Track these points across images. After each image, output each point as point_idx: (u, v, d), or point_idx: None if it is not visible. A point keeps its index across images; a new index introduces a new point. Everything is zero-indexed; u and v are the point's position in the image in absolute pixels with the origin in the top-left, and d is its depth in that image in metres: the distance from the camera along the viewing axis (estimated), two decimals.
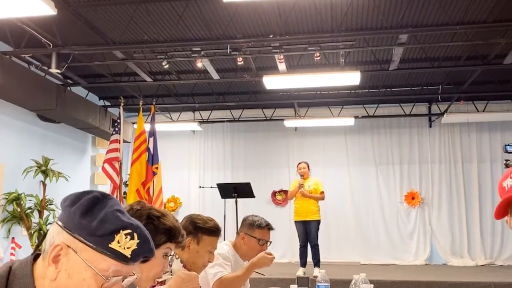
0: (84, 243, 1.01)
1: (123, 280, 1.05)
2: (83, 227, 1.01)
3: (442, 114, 9.04)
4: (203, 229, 2.41)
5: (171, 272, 2.23)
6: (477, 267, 8.63)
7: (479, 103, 9.04)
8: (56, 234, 1.04)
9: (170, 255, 1.68)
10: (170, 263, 2.26)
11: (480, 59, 7.19)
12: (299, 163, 7.27)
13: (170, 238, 1.66)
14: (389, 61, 7.12)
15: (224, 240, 5.26)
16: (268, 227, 3.12)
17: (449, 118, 8.90)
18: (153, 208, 1.72)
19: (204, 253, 2.40)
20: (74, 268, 1.01)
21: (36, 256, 1.09)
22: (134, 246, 1.03)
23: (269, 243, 3.09)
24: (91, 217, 1.02)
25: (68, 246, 1.01)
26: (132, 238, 1.03)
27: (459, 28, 5.77)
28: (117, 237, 1.01)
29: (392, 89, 8.76)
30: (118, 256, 1.02)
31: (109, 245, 1.01)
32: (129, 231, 1.03)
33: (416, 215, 9.40)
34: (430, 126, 9.63)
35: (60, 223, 1.04)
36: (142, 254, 1.05)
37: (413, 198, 9.41)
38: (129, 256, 1.03)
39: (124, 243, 1.02)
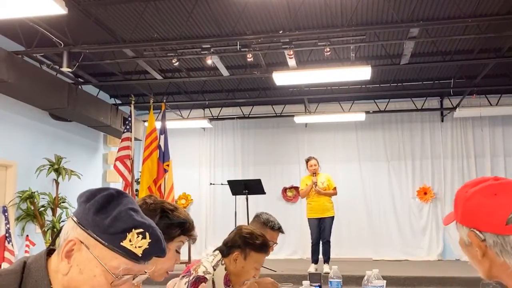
0: (97, 240, 1.01)
1: (133, 279, 1.05)
2: (97, 224, 1.02)
3: (454, 108, 8.95)
4: (252, 245, 2.35)
5: (213, 274, 2.26)
6: None
7: (492, 96, 8.92)
8: (70, 229, 1.05)
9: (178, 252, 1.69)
10: (214, 268, 2.29)
11: (493, 52, 7.09)
12: (309, 160, 7.12)
13: (184, 231, 1.67)
14: (400, 55, 7.06)
15: None
16: (280, 230, 3.13)
17: (462, 112, 8.79)
18: (165, 201, 1.74)
19: (250, 269, 2.36)
20: (86, 264, 1.01)
21: (51, 251, 1.10)
22: (146, 246, 1.03)
23: (275, 244, 3.10)
24: (105, 214, 1.02)
25: (81, 242, 1.02)
26: (144, 237, 1.03)
27: (471, 20, 5.69)
28: (129, 236, 1.01)
29: (404, 84, 8.69)
30: (129, 254, 1.02)
31: (121, 243, 1.01)
32: (141, 230, 1.03)
33: (428, 211, 9.32)
34: (442, 121, 9.53)
35: (75, 218, 1.05)
36: (154, 253, 1.05)
37: (425, 194, 9.34)
38: (140, 255, 1.03)
39: (136, 242, 1.02)
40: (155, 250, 1.05)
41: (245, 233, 2.39)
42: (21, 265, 1.06)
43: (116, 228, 1.01)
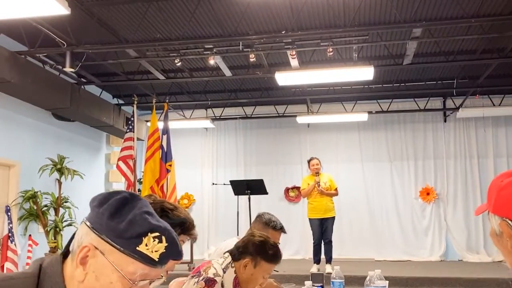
0: (112, 245, 0.99)
1: (150, 283, 1.03)
2: (111, 229, 0.99)
3: (457, 108, 8.93)
4: (264, 255, 2.33)
5: (222, 277, 2.26)
6: (494, 263, 8.51)
7: (495, 97, 8.90)
8: (84, 235, 1.02)
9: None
10: (224, 270, 2.29)
11: (496, 52, 7.07)
12: (311, 159, 7.15)
13: (184, 230, 1.67)
14: (403, 55, 7.05)
15: (238, 235, 5.26)
16: (282, 230, 3.12)
17: (464, 113, 8.77)
18: (165, 201, 1.74)
19: (258, 277, 2.35)
20: (102, 270, 0.99)
21: (65, 253, 1.07)
22: (162, 250, 1.00)
23: (278, 244, 3.10)
24: (119, 218, 1.00)
25: (96, 248, 0.99)
26: (160, 241, 1.00)
27: (474, 21, 5.67)
28: (145, 240, 0.99)
29: (406, 84, 8.67)
30: (145, 259, 0.99)
31: (137, 248, 0.98)
32: (157, 234, 1.00)
33: (431, 211, 9.30)
34: (445, 121, 9.51)
35: (88, 223, 1.03)
36: (170, 257, 1.03)
37: (428, 194, 9.32)
38: (156, 260, 1.00)
39: (152, 246, 0.99)
40: (171, 254, 1.03)
41: (258, 241, 2.36)
42: (37, 268, 1.04)
43: (132, 233, 0.99)
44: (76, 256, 1.01)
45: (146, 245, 0.99)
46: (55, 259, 1.06)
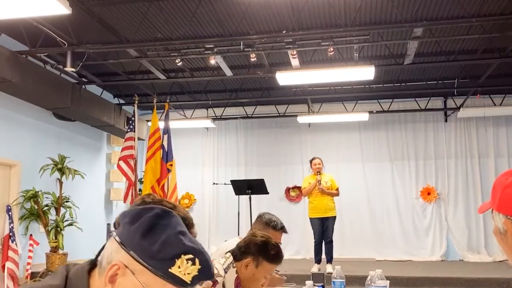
0: (143, 265, 0.96)
1: None
2: (144, 249, 0.96)
3: (458, 108, 8.92)
4: (266, 255, 2.33)
5: (223, 277, 2.25)
6: (494, 263, 8.51)
7: (496, 96, 8.89)
8: (114, 252, 0.99)
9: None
10: (226, 270, 2.28)
11: (497, 52, 7.06)
12: (314, 159, 7.19)
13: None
14: (404, 55, 7.04)
15: (238, 235, 5.26)
16: (283, 230, 3.11)
17: (465, 112, 8.77)
18: (164, 200, 1.73)
19: (260, 278, 2.35)
20: None
21: (92, 263, 1.05)
22: (195, 272, 0.97)
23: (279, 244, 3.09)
24: (152, 238, 0.97)
25: (126, 266, 0.97)
26: (194, 263, 0.97)
27: (475, 20, 5.67)
28: (178, 262, 0.95)
29: (407, 84, 8.67)
30: (177, 281, 0.96)
31: (169, 270, 0.95)
32: (191, 256, 0.97)
33: (432, 211, 9.30)
34: (446, 121, 9.50)
35: (118, 239, 1.00)
36: (202, 279, 1.00)
37: (428, 194, 9.32)
38: (189, 282, 0.97)
39: (185, 268, 0.96)
40: (204, 276, 0.99)
41: (260, 241, 2.36)
42: (63, 279, 1.02)
43: (165, 254, 0.95)
44: (105, 273, 0.98)
45: (179, 267, 0.96)
46: (81, 271, 1.03)
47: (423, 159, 9.47)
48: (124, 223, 1.01)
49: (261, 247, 2.34)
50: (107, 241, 1.03)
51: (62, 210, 7.24)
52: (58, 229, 6.99)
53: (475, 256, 8.83)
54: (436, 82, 8.59)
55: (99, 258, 1.03)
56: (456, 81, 8.25)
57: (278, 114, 9.78)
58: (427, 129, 9.54)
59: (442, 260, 8.95)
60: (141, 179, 8.12)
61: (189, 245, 0.99)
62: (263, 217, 3.12)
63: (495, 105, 8.83)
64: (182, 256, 0.96)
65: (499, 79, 8.21)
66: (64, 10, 4.34)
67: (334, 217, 6.96)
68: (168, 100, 8.20)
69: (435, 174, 9.40)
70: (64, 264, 1.10)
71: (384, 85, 8.57)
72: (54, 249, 6.98)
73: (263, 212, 3.20)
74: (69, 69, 6.35)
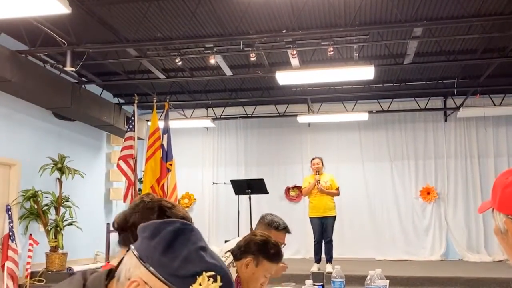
0: (163, 282, 0.93)
1: None
2: (164, 265, 0.94)
3: (457, 108, 8.92)
4: (266, 254, 2.33)
5: None
6: (494, 262, 8.51)
7: (495, 96, 8.90)
8: (133, 267, 0.97)
9: None
10: None
11: (497, 52, 7.07)
12: (313, 159, 7.20)
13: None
14: (404, 55, 7.04)
15: (238, 235, 5.26)
16: (286, 230, 3.10)
17: (465, 112, 8.77)
18: (163, 199, 1.72)
19: (260, 277, 2.35)
20: None
21: (108, 275, 1.03)
22: None
23: (283, 245, 3.08)
24: (173, 254, 0.95)
25: (146, 283, 0.95)
26: (215, 280, 0.95)
27: (475, 20, 5.67)
28: (199, 279, 0.93)
29: (407, 83, 8.67)
30: None
31: (190, 287, 0.93)
32: (212, 273, 0.95)
33: (431, 211, 9.30)
34: (446, 121, 9.51)
35: (136, 253, 0.97)
36: None
37: (428, 193, 9.32)
38: None
39: (206, 286, 0.93)
40: None
41: (260, 240, 2.36)
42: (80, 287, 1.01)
43: (186, 271, 0.93)
44: None
45: (200, 285, 0.93)
46: (99, 281, 1.02)
47: (423, 159, 9.48)
48: (143, 237, 0.99)
49: (261, 246, 2.34)
50: (124, 256, 1.01)
51: (62, 209, 7.24)
52: (58, 228, 6.99)
53: (474, 256, 8.83)
54: (436, 82, 8.59)
55: (117, 271, 1.01)
56: (456, 81, 8.26)
57: (278, 114, 9.78)
58: (427, 129, 9.54)
59: (441, 260, 8.95)
60: (141, 178, 8.12)
61: (211, 261, 0.97)
62: (265, 218, 3.11)
63: (494, 105, 8.83)
64: (204, 273, 0.94)
65: (498, 79, 8.21)
66: (64, 9, 4.34)
67: (334, 217, 6.96)
68: (168, 100, 8.20)
69: (434, 174, 9.41)
70: (80, 271, 1.09)
71: (384, 84, 8.57)
72: (54, 249, 6.98)
73: (265, 214, 3.19)
74: (69, 68, 6.35)
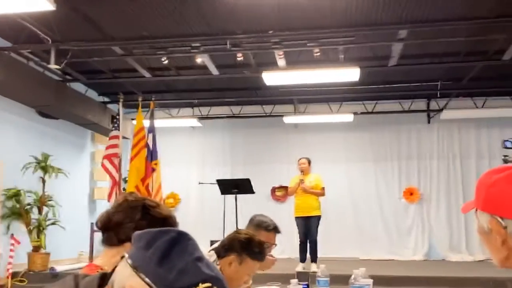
0: None
1: None
2: (160, 277, 0.94)
3: (440, 110, 9.05)
4: (249, 252, 2.32)
5: None
6: (475, 262, 8.65)
7: (478, 99, 9.04)
8: (127, 277, 0.96)
9: None
10: None
11: (479, 55, 7.19)
12: (300, 159, 7.27)
13: (166, 227, 1.66)
14: (388, 57, 7.11)
15: (224, 235, 5.24)
16: (276, 230, 3.10)
17: (448, 114, 8.90)
18: (147, 198, 1.71)
19: (243, 275, 2.34)
20: None
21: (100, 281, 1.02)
22: None
23: (274, 246, 3.08)
24: (169, 265, 0.95)
25: None
26: None
27: (459, 24, 5.76)
28: None
29: (391, 85, 8.75)
30: None
31: None
32: (208, 284, 0.94)
33: (414, 211, 9.42)
34: (429, 122, 9.63)
35: (130, 262, 0.96)
36: None
37: (411, 194, 9.43)
38: None
39: None
40: None
41: (244, 238, 2.36)
42: None
43: (183, 283, 0.92)
44: None
45: None
46: (91, 284, 1.01)
47: (406, 160, 9.59)
48: (138, 247, 0.98)
49: (245, 244, 2.33)
50: (118, 265, 1.00)
51: (45, 209, 7.15)
52: (41, 228, 6.90)
53: (456, 256, 8.96)
54: (419, 84, 8.69)
55: (110, 279, 0.99)
56: (439, 83, 8.37)
57: (264, 114, 9.80)
58: (411, 130, 9.66)
59: (424, 260, 9.07)
60: (126, 178, 8.06)
61: (207, 272, 0.96)
62: (254, 220, 3.10)
63: (477, 107, 8.98)
64: (200, 284, 0.93)
65: (481, 82, 8.35)
66: (48, 6, 4.29)
67: (318, 217, 7.00)
68: (153, 99, 8.15)
69: (418, 174, 9.53)
70: (72, 275, 1.07)
71: (369, 86, 8.64)
72: (36, 249, 6.88)
73: (255, 215, 3.18)
74: (53, 66, 6.27)
